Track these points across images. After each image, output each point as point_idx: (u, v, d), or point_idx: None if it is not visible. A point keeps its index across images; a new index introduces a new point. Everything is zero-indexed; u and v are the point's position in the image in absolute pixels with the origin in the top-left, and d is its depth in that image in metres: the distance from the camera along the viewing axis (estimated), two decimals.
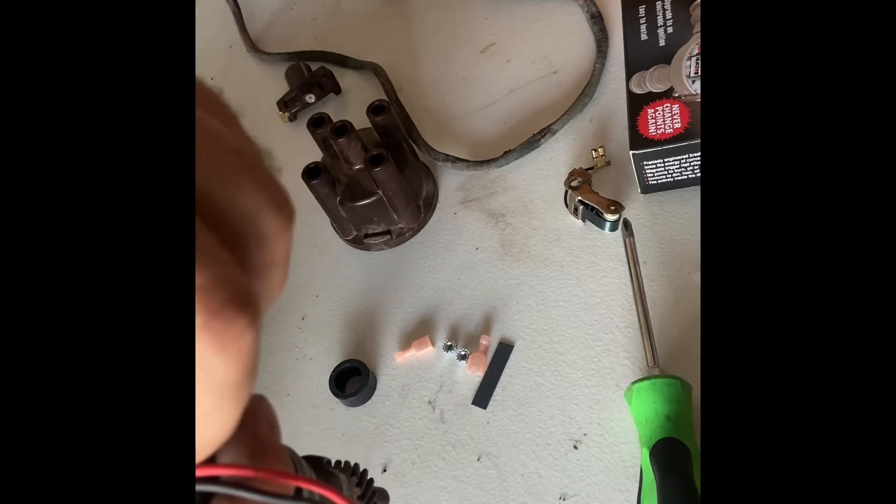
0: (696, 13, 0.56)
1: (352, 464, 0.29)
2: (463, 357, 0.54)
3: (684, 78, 0.53)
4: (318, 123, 0.60)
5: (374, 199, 0.57)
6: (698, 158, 0.52)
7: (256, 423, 0.20)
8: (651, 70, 0.55)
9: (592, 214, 0.55)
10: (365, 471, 0.29)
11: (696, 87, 0.52)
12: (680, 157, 0.52)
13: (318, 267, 0.63)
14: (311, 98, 0.71)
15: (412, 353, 0.55)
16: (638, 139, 0.52)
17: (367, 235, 0.61)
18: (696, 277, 0.51)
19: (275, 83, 0.75)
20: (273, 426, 0.21)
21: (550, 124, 0.60)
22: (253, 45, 0.80)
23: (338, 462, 0.28)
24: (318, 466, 0.26)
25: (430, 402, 0.53)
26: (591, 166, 0.58)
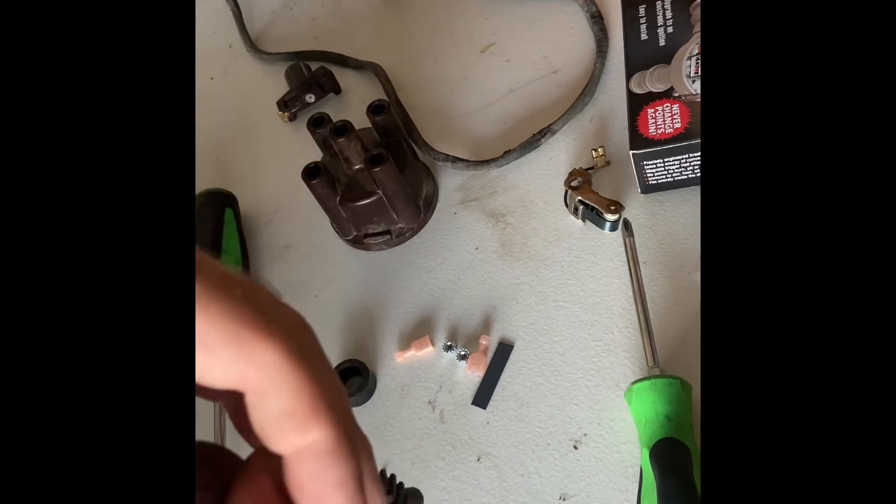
0: (696, 13, 0.56)
1: (378, 470, 0.28)
2: (463, 357, 0.54)
3: (684, 78, 0.53)
4: (318, 123, 0.60)
5: (374, 199, 0.57)
6: (698, 158, 0.52)
7: None
8: (651, 70, 0.55)
9: (592, 214, 0.55)
10: (393, 476, 0.29)
11: (696, 87, 0.52)
12: (680, 157, 0.52)
13: (318, 267, 0.63)
14: (311, 98, 0.71)
15: (412, 353, 0.55)
16: (638, 139, 0.52)
17: (367, 235, 0.61)
18: (696, 277, 0.51)
19: (275, 83, 0.75)
20: None
21: (550, 124, 0.60)
22: (253, 45, 0.80)
23: None
24: None
25: (430, 402, 0.53)
26: (591, 166, 0.58)
